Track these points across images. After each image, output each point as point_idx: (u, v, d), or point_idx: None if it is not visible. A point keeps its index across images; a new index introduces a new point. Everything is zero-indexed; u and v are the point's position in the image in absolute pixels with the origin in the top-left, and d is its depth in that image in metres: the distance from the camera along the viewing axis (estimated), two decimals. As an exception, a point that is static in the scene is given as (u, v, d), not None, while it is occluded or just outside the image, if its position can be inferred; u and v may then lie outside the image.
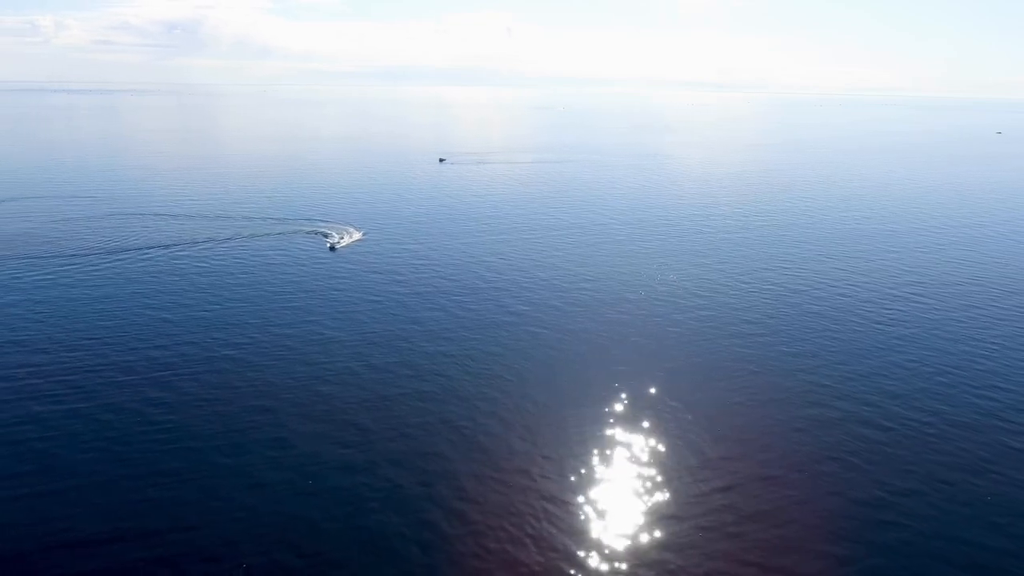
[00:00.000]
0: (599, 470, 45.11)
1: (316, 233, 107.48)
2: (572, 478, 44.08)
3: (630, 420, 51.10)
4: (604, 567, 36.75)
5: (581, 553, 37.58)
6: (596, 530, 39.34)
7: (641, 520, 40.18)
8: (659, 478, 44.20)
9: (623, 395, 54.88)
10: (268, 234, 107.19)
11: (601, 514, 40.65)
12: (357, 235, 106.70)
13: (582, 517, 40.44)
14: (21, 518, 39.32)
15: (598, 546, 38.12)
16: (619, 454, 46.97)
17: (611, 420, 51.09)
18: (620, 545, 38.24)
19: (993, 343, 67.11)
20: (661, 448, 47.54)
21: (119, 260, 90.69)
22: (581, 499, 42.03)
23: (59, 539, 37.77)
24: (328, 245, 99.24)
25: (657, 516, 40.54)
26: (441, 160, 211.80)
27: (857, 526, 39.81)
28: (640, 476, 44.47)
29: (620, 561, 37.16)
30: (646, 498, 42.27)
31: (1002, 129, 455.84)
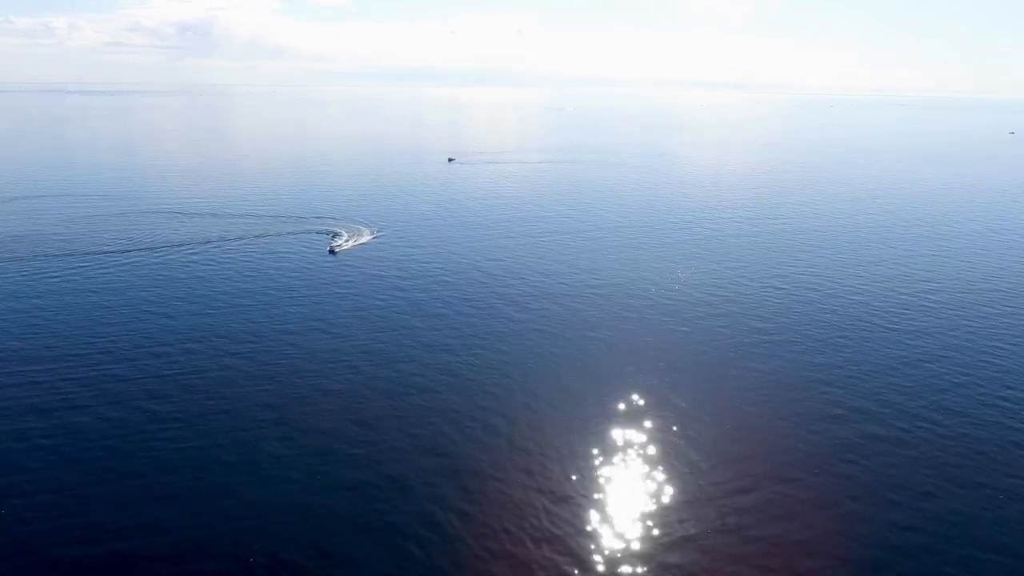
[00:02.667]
0: (607, 474, 44.40)
1: (324, 232, 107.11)
2: (579, 482, 43.41)
3: (639, 424, 50.37)
4: (610, 571, 36.10)
5: (587, 556, 36.91)
6: (603, 534, 38.65)
7: (648, 526, 39.44)
8: (668, 484, 43.45)
9: (632, 399, 54.14)
10: (274, 234, 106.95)
11: (608, 519, 39.93)
12: (366, 235, 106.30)
13: (589, 521, 39.75)
14: (40, 510, 39.28)
15: (605, 550, 37.43)
16: (628, 458, 46.24)
17: (620, 424, 50.37)
18: (627, 550, 37.53)
19: (1014, 349, 65.90)
20: (670, 453, 46.77)
21: (128, 260, 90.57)
22: (588, 503, 41.36)
23: (70, 533, 37.71)
24: (328, 248, 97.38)
25: (665, 522, 39.80)
26: (450, 160, 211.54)
27: (874, 537, 38.97)
28: (649, 482, 43.73)
29: (627, 565, 36.48)
30: (654, 504, 41.53)
31: (1015, 129, 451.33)
